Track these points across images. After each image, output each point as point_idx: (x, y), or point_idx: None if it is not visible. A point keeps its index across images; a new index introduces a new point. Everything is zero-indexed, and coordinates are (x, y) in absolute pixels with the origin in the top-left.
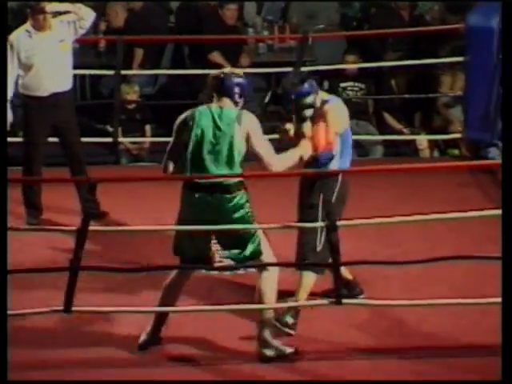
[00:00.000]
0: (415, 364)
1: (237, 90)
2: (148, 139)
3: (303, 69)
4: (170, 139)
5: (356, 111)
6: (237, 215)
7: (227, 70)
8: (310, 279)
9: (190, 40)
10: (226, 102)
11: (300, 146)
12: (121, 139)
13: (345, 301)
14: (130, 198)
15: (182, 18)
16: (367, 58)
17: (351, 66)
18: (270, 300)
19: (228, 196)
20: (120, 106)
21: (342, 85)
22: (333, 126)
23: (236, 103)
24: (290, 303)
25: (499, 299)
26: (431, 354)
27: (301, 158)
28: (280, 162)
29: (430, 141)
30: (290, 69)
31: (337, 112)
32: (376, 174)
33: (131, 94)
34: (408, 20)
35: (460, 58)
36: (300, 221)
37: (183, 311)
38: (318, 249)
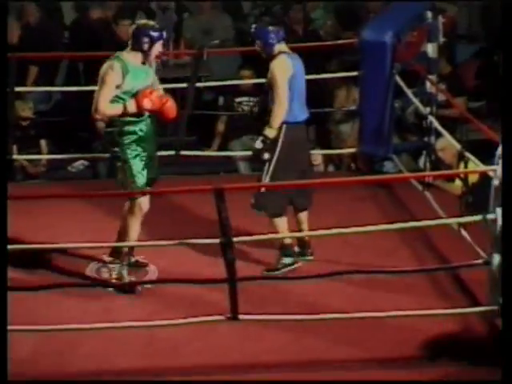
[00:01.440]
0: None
1: (145, 39)
2: (45, 156)
3: (198, 84)
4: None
5: (251, 126)
6: None
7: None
8: (277, 223)
9: (85, 56)
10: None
11: (129, 105)
12: (15, 156)
13: (241, 317)
14: (25, 214)
15: (77, 34)
16: (262, 73)
17: (245, 81)
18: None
19: None
20: (14, 123)
21: (237, 100)
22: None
23: (143, 51)
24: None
25: (394, 313)
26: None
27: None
28: (103, 109)
29: (324, 156)
30: (184, 84)
31: (280, 65)
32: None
33: (26, 110)
34: (302, 35)
35: (353, 73)
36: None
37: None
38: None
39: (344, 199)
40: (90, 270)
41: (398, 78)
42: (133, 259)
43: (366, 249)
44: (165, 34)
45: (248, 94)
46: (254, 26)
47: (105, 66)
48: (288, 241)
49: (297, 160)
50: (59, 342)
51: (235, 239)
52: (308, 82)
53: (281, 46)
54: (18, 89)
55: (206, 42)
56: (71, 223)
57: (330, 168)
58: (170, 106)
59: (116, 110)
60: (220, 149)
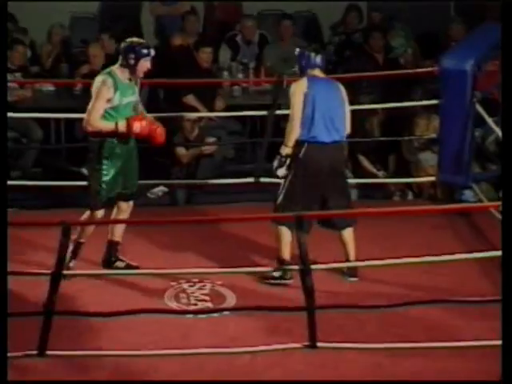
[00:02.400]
0: None
1: (132, 55)
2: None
3: (278, 112)
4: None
5: None
6: None
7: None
8: (282, 232)
9: (165, 83)
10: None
11: (121, 125)
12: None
13: (320, 344)
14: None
15: (158, 61)
16: None
17: None
18: None
19: None
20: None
21: None
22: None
23: (129, 66)
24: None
25: (476, 343)
26: None
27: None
28: (94, 122)
29: (403, 184)
30: (264, 112)
31: (296, 85)
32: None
33: None
34: (382, 63)
35: (434, 101)
36: None
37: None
38: (279, 201)
39: (423, 228)
40: (169, 295)
41: (478, 107)
42: (122, 263)
43: (445, 278)
44: (152, 51)
45: None
46: (297, 50)
47: (98, 79)
48: (287, 256)
49: (316, 182)
50: (137, 367)
51: (314, 267)
52: (390, 109)
53: (313, 71)
54: None
55: (286, 69)
56: (151, 248)
57: (409, 196)
58: (160, 133)
59: (108, 126)
60: None
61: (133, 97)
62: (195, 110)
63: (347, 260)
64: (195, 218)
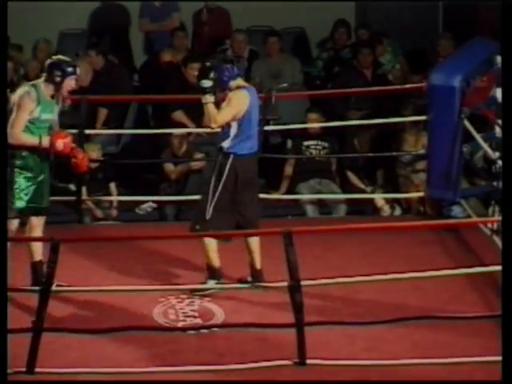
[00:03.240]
0: None
1: (58, 73)
2: (112, 198)
3: (267, 127)
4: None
5: (319, 170)
6: None
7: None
8: (209, 243)
9: (153, 99)
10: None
11: (44, 140)
12: (85, 197)
13: (309, 361)
14: (93, 256)
15: (146, 77)
16: (330, 117)
17: (315, 124)
18: None
19: None
20: None
21: (306, 143)
22: (229, 110)
23: (55, 83)
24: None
25: (465, 359)
26: None
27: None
28: (18, 135)
29: (391, 199)
30: None
31: (238, 98)
32: (340, 233)
33: (95, 152)
34: (371, 79)
35: (422, 117)
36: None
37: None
38: (208, 217)
39: (412, 243)
40: (158, 311)
41: (466, 123)
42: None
43: (434, 293)
44: (78, 70)
45: (316, 137)
46: (208, 63)
47: (21, 91)
48: (216, 264)
49: (240, 190)
50: None
51: (303, 283)
52: (378, 125)
53: (237, 81)
54: (87, 131)
55: (275, 85)
56: (137, 265)
57: (397, 211)
58: (82, 159)
59: (31, 141)
60: (288, 192)
61: (51, 115)
62: (184, 125)
63: (253, 268)
64: (183, 234)
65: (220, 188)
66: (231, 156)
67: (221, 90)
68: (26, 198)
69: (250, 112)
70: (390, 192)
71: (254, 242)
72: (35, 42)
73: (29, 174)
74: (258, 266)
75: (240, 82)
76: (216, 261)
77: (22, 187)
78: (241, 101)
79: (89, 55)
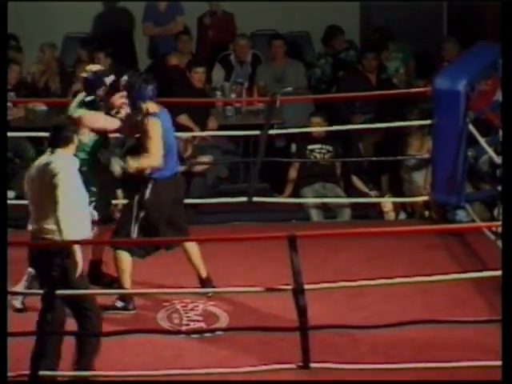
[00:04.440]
0: None
1: None
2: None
3: (271, 131)
4: None
5: (323, 174)
6: None
7: None
8: (121, 257)
9: (158, 103)
10: None
11: None
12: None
13: (313, 365)
14: None
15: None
16: (334, 121)
17: (320, 128)
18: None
19: None
20: None
21: (310, 147)
22: (154, 143)
23: None
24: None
25: (471, 363)
26: None
27: None
28: None
29: (396, 203)
30: (257, 131)
31: (153, 129)
32: (344, 237)
33: None
34: (375, 83)
35: (427, 121)
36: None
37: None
38: (133, 236)
39: (416, 247)
40: (162, 315)
41: (471, 127)
42: None
43: (439, 297)
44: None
45: (320, 141)
46: (124, 78)
47: None
48: (127, 285)
49: (165, 210)
50: None
51: (307, 287)
52: (383, 129)
53: (147, 104)
54: None
55: (279, 89)
56: (141, 269)
57: (402, 216)
58: None
59: None
60: (292, 196)
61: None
62: (188, 129)
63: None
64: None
65: (143, 217)
66: (151, 181)
67: (131, 109)
68: None
69: (164, 137)
70: (398, 197)
71: (194, 253)
72: (40, 46)
73: None
74: (204, 274)
75: (151, 105)
76: (127, 283)
77: None
78: (156, 129)
79: (97, 58)
